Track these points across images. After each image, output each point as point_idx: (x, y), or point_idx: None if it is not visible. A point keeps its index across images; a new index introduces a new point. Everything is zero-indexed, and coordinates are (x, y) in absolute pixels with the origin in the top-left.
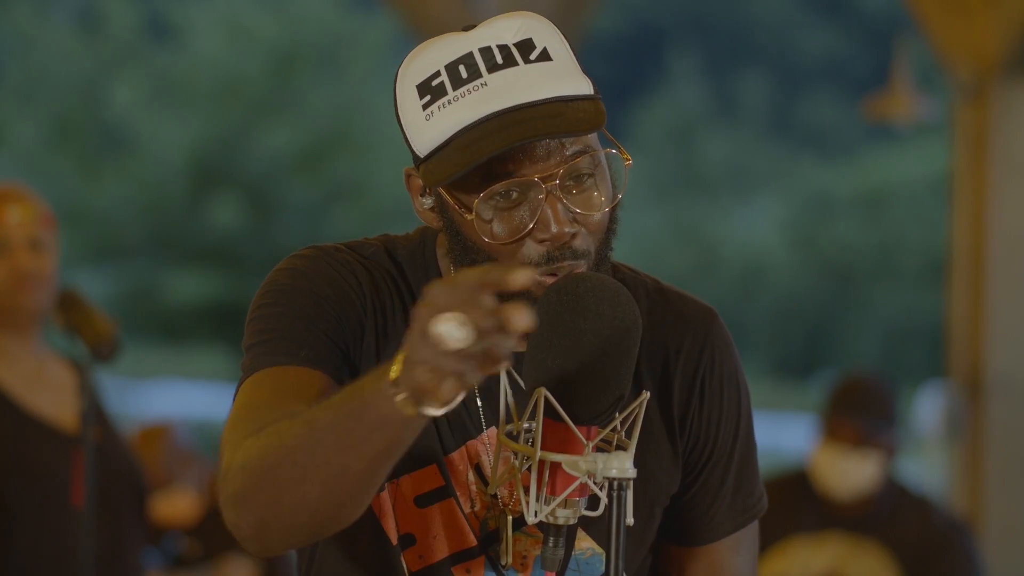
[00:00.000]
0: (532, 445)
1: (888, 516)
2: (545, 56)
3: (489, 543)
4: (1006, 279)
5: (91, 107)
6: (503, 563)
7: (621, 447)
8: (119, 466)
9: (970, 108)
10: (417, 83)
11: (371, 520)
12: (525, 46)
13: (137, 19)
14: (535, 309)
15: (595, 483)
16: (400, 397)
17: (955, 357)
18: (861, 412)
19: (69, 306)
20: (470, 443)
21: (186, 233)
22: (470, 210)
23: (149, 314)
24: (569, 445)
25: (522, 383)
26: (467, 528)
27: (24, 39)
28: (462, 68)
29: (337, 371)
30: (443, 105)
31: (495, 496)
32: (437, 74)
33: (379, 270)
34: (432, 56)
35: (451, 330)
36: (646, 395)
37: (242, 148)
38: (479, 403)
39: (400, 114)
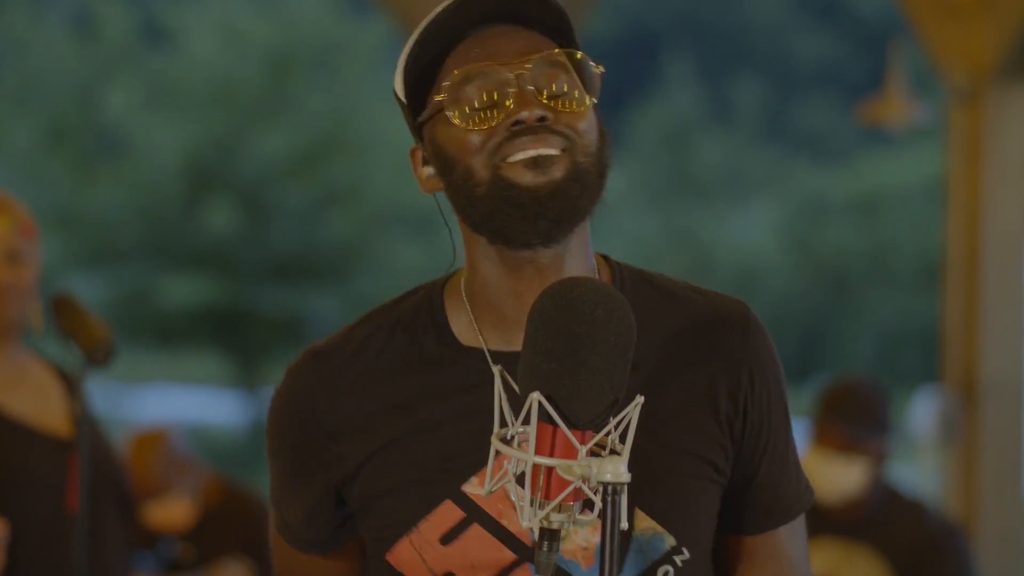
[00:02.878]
0: (526, 450)
1: (881, 520)
2: None
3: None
4: (1000, 283)
5: (86, 111)
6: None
7: (615, 452)
8: (101, 466)
9: (964, 112)
10: (411, 42)
11: None
12: None
13: (131, 23)
14: (530, 313)
15: (589, 488)
16: None
17: (949, 361)
18: (847, 417)
19: (63, 310)
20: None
21: (181, 237)
22: (445, 103)
23: (144, 318)
24: (563, 450)
25: (516, 387)
26: (502, 546)
27: (18, 43)
28: None
29: (317, 537)
30: (419, 26)
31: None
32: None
33: (357, 352)
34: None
35: None
36: (640, 399)
37: (237, 152)
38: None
39: (395, 89)
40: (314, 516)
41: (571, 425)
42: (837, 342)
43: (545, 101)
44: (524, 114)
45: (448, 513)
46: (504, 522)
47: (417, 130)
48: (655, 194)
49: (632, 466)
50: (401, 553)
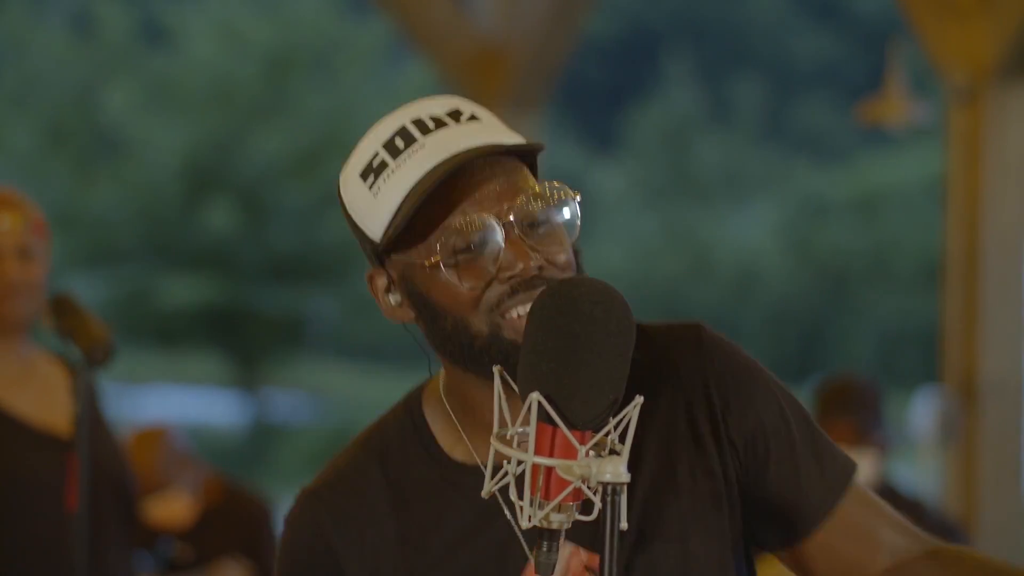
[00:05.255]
0: (526, 450)
1: None
2: (474, 118)
3: None
4: (999, 283)
5: (85, 111)
6: None
7: (615, 452)
8: (105, 467)
9: (963, 112)
10: (359, 172)
11: None
12: (454, 114)
13: (131, 23)
14: (529, 312)
15: (589, 488)
16: None
17: (949, 361)
18: (854, 411)
19: (63, 310)
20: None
21: (180, 237)
22: (434, 262)
23: (143, 319)
24: (563, 450)
25: (515, 387)
26: None
27: (18, 43)
28: (398, 140)
29: None
30: (387, 177)
31: None
32: (376, 155)
33: (355, 489)
34: (367, 144)
35: None
36: (640, 399)
37: (236, 152)
38: (520, 537)
39: (351, 213)
40: None
41: (570, 425)
42: (837, 342)
43: (532, 245)
44: (520, 267)
45: None
46: None
47: (377, 256)
48: (654, 194)
49: (637, 549)
50: None
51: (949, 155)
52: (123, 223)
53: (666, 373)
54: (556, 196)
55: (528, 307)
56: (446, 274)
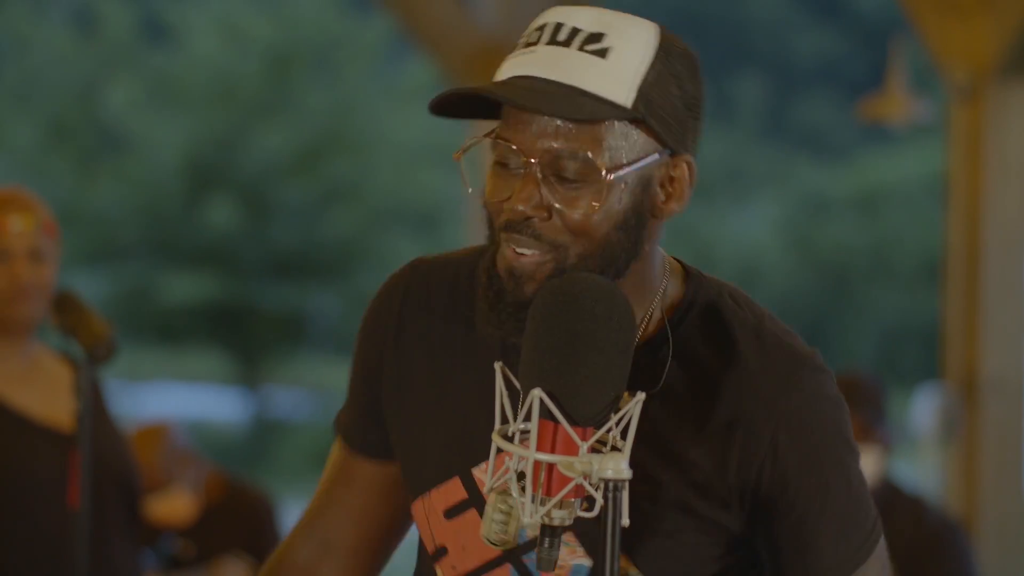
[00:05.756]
0: (527, 446)
1: (881, 516)
2: (601, 53)
3: (524, 550)
4: (1001, 280)
5: (87, 108)
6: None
7: (616, 448)
8: (109, 464)
9: (965, 109)
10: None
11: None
12: (592, 37)
13: (133, 20)
14: (531, 309)
15: (591, 484)
16: None
17: (950, 358)
18: (858, 407)
19: (65, 307)
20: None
21: (182, 234)
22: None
23: (145, 316)
24: (564, 446)
25: (517, 383)
26: None
27: (20, 40)
28: (535, 33)
29: (368, 439)
30: (506, 59)
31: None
32: (526, 33)
33: (441, 282)
34: (537, 18)
35: None
36: (641, 396)
37: (238, 149)
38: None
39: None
40: (368, 417)
41: (572, 422)
42: (838, 339)
43: (547, 196)
44: (515, 207)
45: (454, 490)
46: None
47: None
48: None
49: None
50: (416, 510)
51: (950, 153)
52: (125, 220)
53: (742, 391)
54: (584, 160)
55: (508, 256)
56: (491, 173)
